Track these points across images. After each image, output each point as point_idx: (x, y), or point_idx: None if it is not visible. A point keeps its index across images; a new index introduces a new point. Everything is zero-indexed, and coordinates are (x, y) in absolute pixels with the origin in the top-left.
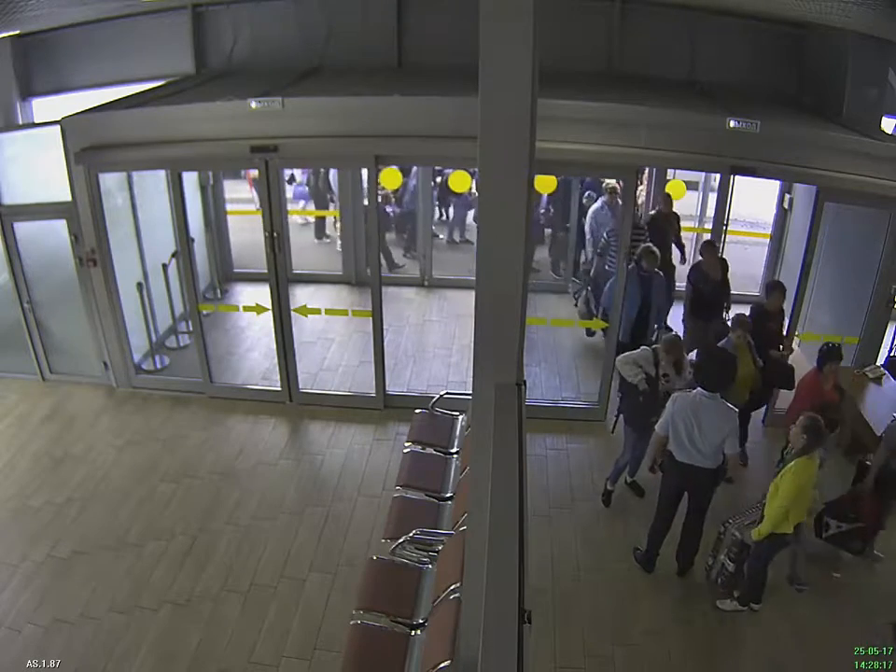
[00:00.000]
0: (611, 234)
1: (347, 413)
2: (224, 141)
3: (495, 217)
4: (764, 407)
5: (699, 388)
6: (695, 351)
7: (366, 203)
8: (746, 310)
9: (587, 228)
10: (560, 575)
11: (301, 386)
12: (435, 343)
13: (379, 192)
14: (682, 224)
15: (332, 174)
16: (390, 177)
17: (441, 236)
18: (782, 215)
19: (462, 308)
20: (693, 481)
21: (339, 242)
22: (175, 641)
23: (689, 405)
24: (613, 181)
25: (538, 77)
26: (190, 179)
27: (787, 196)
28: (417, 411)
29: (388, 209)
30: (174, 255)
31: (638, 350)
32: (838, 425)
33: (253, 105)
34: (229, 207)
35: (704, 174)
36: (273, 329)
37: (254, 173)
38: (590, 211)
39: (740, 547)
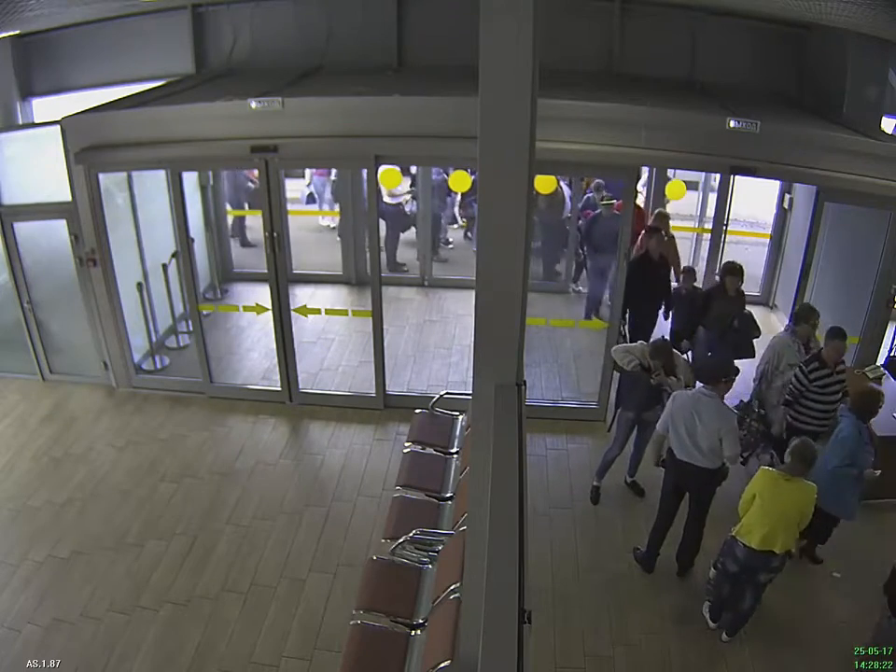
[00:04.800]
0: (814, 372)
1: (347, 413)
2: (224, 141)
3: (495, 217)
4: None
5: (700, 387)
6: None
7: (388, 201)
8: None
9: (763, 363)
10: (560, 575)
11: (301, 386)
12: (435, 342)
13: (399, 193)
14: (681, 224)
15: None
16: (390, 177)
17: (451, 240)
18: (782, 215)
19: (462, 308)
20: (691, 479)
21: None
22: (175, 641)
23: (689, 403)
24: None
25: (538, 77)
26: (190, 179)
27: (787, 196)
28: (417, 411)
29: (407, 209)
30: (174, 255)
31: (637, 343)
32: None
33: (253, 105)
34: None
35: (704, 174)
36: (273, 329)
37: (254, 172)
38: (772, 342)
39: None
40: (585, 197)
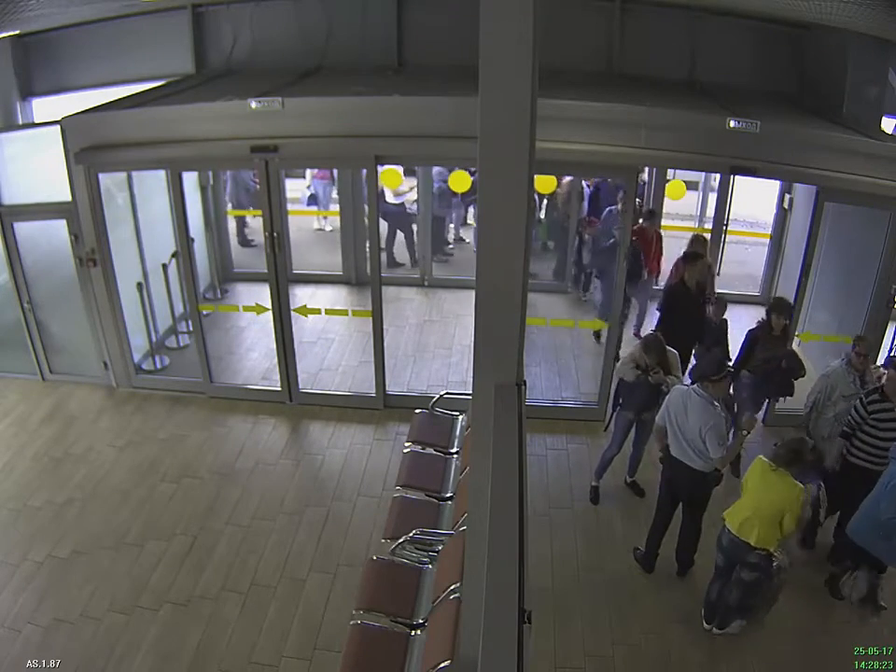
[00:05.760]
0: (873, 405)
1: (347, 413)
2: (224, 141)
3: (495, 217)
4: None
5: (695, 384)
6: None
7: (392, 200)
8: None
9: (815, 393)
10: (560, 575)
11: (301, 386)
12: (435, 342)
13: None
14: (681, 224)
15: None
16: (390, 177)
17: (467, 240)
18: (782, 215)
19: (462, 308)
20: (681, 477)
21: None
22: (175, 641)
23: (680, 398)
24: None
25: (538, 77)
26: (190, 179)
27: (787, 196)
28: (417, 411)
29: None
30: (174, 255)
31: (631, 351)
32: None
33: (253, 105)
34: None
35: (704, 174)
36: (273, 329)
37: None
38: (825, 371)
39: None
40: (608, 209)
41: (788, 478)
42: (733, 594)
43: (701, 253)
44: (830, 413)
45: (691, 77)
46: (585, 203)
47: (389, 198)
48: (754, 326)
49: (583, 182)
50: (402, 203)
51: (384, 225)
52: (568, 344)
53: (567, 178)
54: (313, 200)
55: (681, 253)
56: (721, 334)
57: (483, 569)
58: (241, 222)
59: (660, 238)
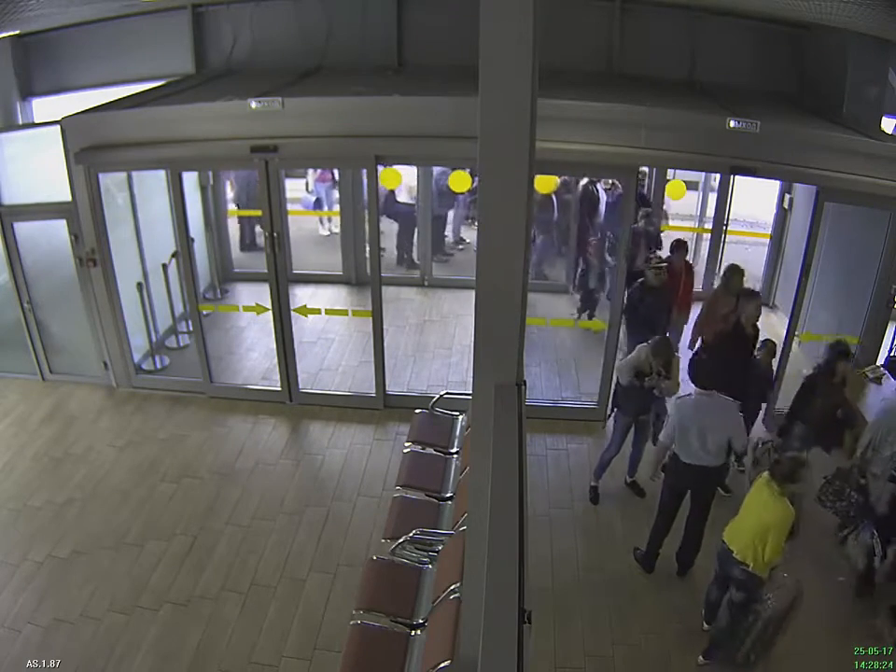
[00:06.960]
0: None
1: (347, 413)
2: (224, 141)
3: (495, 217)
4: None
5: (695, 389)
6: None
7: (405, 200)
8: None
9: (872, 430)
10: (560, 575)
11: (301, 386)
12: (435, 343)
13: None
14: (681, 224)
15: None
16: (390, 177)
17: (467, 240)
18: (782, 215)
19: (462, 308)
20: (698, 480)
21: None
22: (175, 641)
23: (693, 408)
24: None
25: (538, 77)
26: (190, 179)
27: (787, 196)
28: (417, 411)
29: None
30: (174, 255)
31: (635, 352)
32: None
33: (253, 105)
34: None
35: (704, 174)
36: (273, 329)
37: None
38: (884, 405)
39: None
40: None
41: (781, 498)
42: (725, 616)
43: (755, 290)
44: (887, 451)
45: (691, 77)
46: (602, 210)
47: (403, 198)
48: (812, 371)
49: (601, 189)
50: (414, 205)
51: (395, 225)
52: (568, 344)
53: (583, 181)
54: (318, 204)
55: (721, 285)
56: (767, 381)
57: (482, 569)
58: (249, 225)
59: (690, 270)
